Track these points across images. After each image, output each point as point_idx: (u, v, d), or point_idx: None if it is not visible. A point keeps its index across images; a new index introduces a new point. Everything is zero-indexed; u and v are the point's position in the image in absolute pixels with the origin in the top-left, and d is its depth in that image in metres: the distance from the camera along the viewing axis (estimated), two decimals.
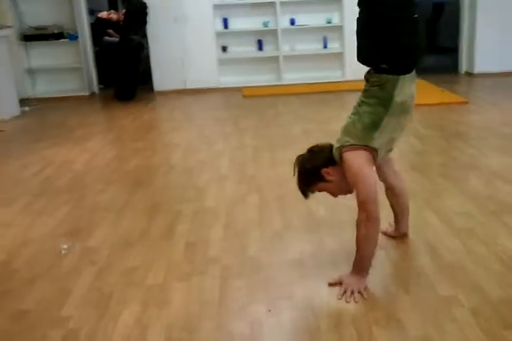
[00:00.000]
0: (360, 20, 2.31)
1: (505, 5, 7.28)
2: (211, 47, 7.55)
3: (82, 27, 7.61)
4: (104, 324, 2.18)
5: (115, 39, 7.41)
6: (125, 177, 4.12)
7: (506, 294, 2.21)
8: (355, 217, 2.31)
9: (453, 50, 8.17)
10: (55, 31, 7.51)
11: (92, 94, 7.85)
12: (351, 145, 2.28)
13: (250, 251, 2.74)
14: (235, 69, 7.80)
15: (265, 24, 7.60)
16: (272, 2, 7.50)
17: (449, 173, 3.74)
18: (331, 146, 2.39)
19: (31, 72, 7.72)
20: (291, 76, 7.68)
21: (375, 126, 2.27)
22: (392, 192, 2.64)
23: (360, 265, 2.30)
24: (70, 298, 2.39)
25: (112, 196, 3.69)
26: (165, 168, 4.30)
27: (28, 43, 7.59)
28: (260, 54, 7.76)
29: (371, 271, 2.34)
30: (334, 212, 3.11)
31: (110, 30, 7.60)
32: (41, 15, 7.51)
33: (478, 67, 7.56)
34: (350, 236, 2.41)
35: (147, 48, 7.54)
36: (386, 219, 2.67)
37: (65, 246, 2.87)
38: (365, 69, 2.37)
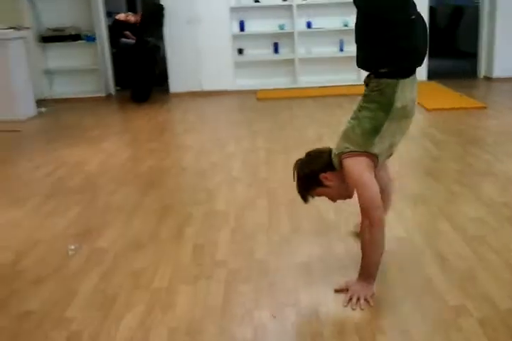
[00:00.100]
0: (357, 25, 2.28)
1: None
2: (227, 50, 7.55)
3: (99, 29, 7.67)
4: (108, 326, 2.18)
5: (132, 41, 7.45)
6: (138, 178, 4.12)
7: None
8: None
9: (473, 55, 8.07)
10: (73, 33, 7.58)
11: (109, 96, 7.90)
12: (351, 151, 2.24)
13: (258, 254, 2.72)
14: (251, 72, 7.80)
15: (281, 27, 7.59)
16: (289, 5, 7.49)
17: (464, 179, 3.68)
18: (329, 151, 2.36)
19: (48, 73, 7.79)
20: (307, 79, 7.65)
21: (375, 131, 2.23)
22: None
23: (367, 271, 2.27)
24: (75, 299, 2.38)
25: (123, 197, 3.70)
26: (177, 170, 4.29)
27: (46, 44, 7.67)
28: (276, 57, 7.74)
29: (378, 277, 2.30)
30: (344, 216, 3.08)
31: (127, 32, 7.65)
32: (59, 16, 7.58)
33: (497, 72, 7.46)
34: (359, 241, 2.37)
35: (163, 50, 7.56)
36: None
37: (73, 247, 2.87)
38: None
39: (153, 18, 7.28)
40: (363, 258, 2.26)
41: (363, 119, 2.25)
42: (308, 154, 2.43)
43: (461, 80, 7.56)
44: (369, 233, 2.20)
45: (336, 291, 2.31)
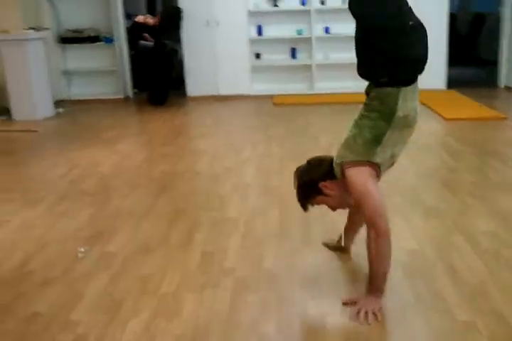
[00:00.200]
0: (356, 35, 2.26)
1: None
2: (244, 54, 7.56)
3: (118, 30, 7.72)
4: (112, 330, 2.17)
5: (150, 43, 7.48)
6: (151, 182, 4.13)
7: None
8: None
9: (494, 63, 7.97)
10: (92, 34, 7.64)
11: (126, 98, 7.94)
12: (353, 161, 2.22)
13: (266, 264, 2.69)
14: (268, 77, 7.79)
15: (299, 32, 7.57)
16: (307, 10, 7.47)
17: (480, 192, 3.62)
18: (330, 159, 2.35)
19: (67, 74, 7.85)
20: (324, 85, 7.62)
21: (377, 140, 2.21)
22: (358, 211, 2.48)
23: (375, 284, 2.23)
24: (82, 303, 2.38)
25: (135, 200, 3.70)
26: (190, 174, 4.29)
27: (65, 45, 7.74)
28: (293, 62, 7.73)
29: (387, 292, 2.27)
30: None
31: (146, 34, 7.67)
32: (79, 18, 7.65)
33: None
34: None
35: (181, 53, 7.58)
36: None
37: (82, 250, 2.88)
38: None
39: (172, 21, 7.31)
40: (370, 270, 2.23)
41: (364, 128, 2.23)
42: (309, 162, 2.43)
43: (482, 89, 7.46)
44: (375, 243, 2.17)
45: (344, 304, 2.27)
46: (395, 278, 2.44)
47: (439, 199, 3.53)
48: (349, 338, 2.07)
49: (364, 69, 2.27)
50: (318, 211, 2.61)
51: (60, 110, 6.99)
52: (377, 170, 2.25)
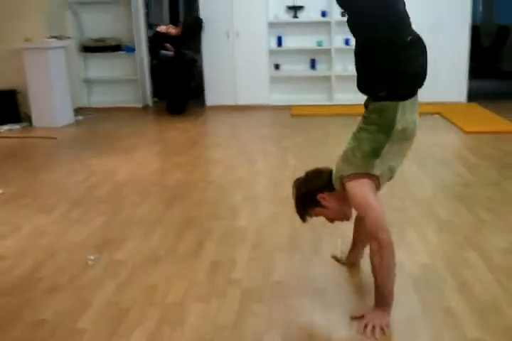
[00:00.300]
0: (355, 49, 2.26)
1: None
2: (264, 65, 7.58)
3: (139, 40, 7.80)
4: (118, 339, 2.16)
5: (171, 53, 7.54)
6: (164, 190, 4.14)
7: None
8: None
9: None
10: (113, 43, 7.73)
11: (146, 107, 8.00)
12: (352, 174, 2.21)
13: (274, 275, 2.67)
14: (287, 88, 7.79)
15: (319, 43, 7.57)
16: (327, 21, 7.47)
17: (496, 207, 3.55)
18: (329, 171, 2.35)
19: (88, 82, 7.95)
20: (343, 96, 7.59)
21: (375, 153, 2.20)
22: (362, 223, 2.47)
23: (382, 297, 2.20)
24: (88, 311, 2.38)
25: (147, 209, 3.71)
26: (203, 184, 4.29)
27: (87, 54, 7.84)
28: (313, 73, 7.73)
29: (396, 304, 2.23)
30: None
31: (167, 44, 7.75)
32: (102, 27, 7.75)
33: None
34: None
35: (201, 63, 7.63)
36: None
37: (92, 258, 2.88)
38: None
39: (193, 31, 7.37)
40: (376, 284, 2.20)
41: (363, 141, 2.23)
42: (307, 174, 2.43)
43: (503, 102, 7.37)
44: (379, 256, 2.15)
45: (352, 318, 2.24)
46: (405, 292, 2.40)
47: (453, 213, 3.48)
48: None
49: (363, 83, 2.27)
50: (329, 223, 2.58)
51: (80, 117, 7.08)
52: (377, 182, 2.25)
